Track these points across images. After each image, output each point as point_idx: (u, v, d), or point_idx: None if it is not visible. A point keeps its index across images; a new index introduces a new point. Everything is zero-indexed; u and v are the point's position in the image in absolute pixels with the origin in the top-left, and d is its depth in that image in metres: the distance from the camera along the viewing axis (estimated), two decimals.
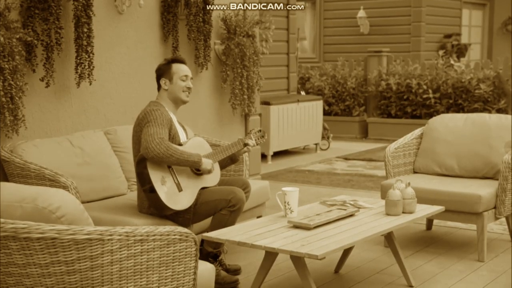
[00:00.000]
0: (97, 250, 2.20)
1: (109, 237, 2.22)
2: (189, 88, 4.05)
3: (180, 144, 3.92)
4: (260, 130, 4.35)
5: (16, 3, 4.19)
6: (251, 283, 3.73)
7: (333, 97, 11.71)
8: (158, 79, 4.06)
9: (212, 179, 4.02)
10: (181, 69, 4.04)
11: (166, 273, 2.43)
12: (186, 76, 4.03)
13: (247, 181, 4.23)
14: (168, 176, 3.78)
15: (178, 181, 3.81)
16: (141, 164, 3.73)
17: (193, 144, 4.00)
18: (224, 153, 4.08)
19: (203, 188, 3.95)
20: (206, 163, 3.86)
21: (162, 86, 4.03)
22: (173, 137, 3.88)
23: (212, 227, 3.86)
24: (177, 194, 3.78)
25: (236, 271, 4.16)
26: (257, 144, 4.28)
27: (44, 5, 4.26)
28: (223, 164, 4.24)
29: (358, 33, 13.75)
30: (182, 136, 4.02)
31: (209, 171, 3.90)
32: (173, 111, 4.04)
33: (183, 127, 4.14)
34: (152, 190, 3.70)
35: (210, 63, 5.80)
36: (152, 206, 3.81)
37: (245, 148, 4.18)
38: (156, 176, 3.71)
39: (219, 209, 3.87)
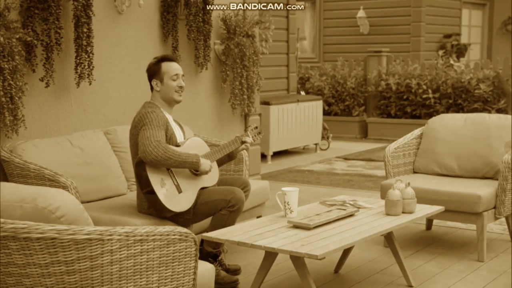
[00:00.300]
0: (97, 250, 2.20)
1: (109, 237, 2.22)
2: (181, 87, 3.98)
3: (178, 145, 3.91)
4: (256, 127, 4.34)
5: (16, 3, 4.18)
6: (251, 283, 3.73)
7: (333, 97, 11.71)
8: (149, 79, 4.00)
9: (211, 179, 4.01)
10: (171, 68, 3.96)
11: (166, 273, 2.43)
12: (176, 75, 3.95)
13: (246, 180, 4.22)
14: (167, 178, 3.77)
15: (177, 182, 3.80)
16: (140, 166, 3.71)
17: (191, 144, 3.99)
18: (222, 152, 4.07)
19: (202, 188, 3.94)
20: (205, 165, 3.84)
21: (154, 88, 3.98)
22: (170, 138, 3.86)
23: (212, 227, 3.86)
24: (176, 195, 3.77)
25: (236, 271, 4.16)
26: (254, 141, 4.27)
27: (44, 5, 4.26)
28: (221, 162, 4.24)
29: (358, 33, 13.75)
30: (179, 136, 4.00)
31: (206, 172, 3.89)
32: (168, 111, 4.00)
33: (180, 125, 4.12)
34: (152, 192, 3.69)
35: (210, 63, 5.80)
36: (151, 207, 3.80)
37: (243, 146, 4.17)
38: (155, 178, 3.70)
39: (218, 209, 3.87)
